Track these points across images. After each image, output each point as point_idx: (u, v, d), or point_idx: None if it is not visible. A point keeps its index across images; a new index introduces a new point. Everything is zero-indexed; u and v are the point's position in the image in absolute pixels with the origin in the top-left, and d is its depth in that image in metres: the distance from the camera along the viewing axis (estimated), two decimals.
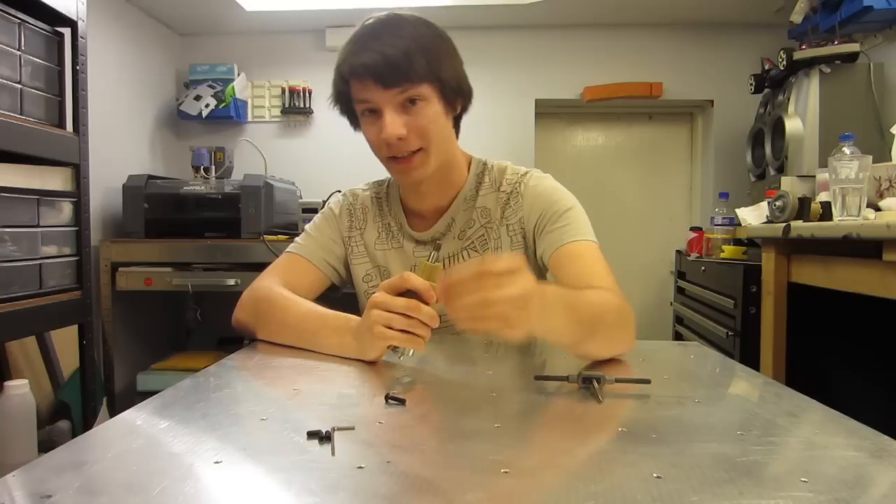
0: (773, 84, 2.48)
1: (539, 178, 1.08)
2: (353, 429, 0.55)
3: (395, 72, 0.89)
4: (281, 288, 1.01)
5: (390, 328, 0.75)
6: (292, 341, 0.93)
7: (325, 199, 2.46)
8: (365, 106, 0.95)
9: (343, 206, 1.15)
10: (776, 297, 1.81)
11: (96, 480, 0.44)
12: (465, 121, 1.09)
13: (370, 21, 0.95)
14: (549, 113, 3.15)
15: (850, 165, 1.54)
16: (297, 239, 1.14)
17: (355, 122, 1.02)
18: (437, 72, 0.93)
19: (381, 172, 1.18)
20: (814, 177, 2.07)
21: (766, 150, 2.43)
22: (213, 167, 2.67)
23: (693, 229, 2.59)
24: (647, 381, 0.71)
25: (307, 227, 1.16)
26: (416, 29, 0.94)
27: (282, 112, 3.07)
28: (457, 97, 1.00)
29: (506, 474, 0.46)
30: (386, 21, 0.94)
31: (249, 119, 3.10)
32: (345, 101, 0.99)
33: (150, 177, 2.50)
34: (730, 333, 2.01)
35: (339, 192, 1.20)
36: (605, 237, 1.05)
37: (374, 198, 1.15)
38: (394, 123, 0.91)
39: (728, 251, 2.25)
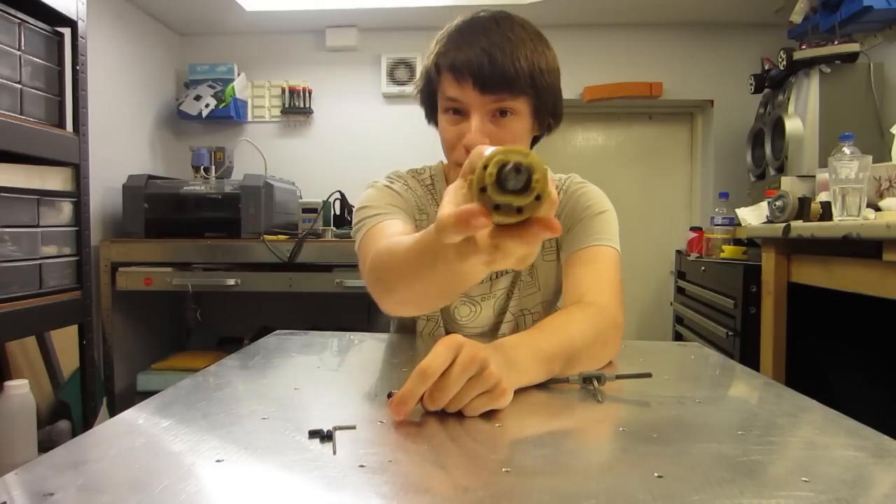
0: (773, 84, 2.48)
1: (578, 183, 1.03)
2: (354, 428, 0.55)
3: (497, 78, 0.83)
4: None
5: None
6: (412, 281, 0.70)
7: (325, 198, 2.47)
8: (452, 104, 0.88)
9: (398, 184, 1.03)
10: (776, 297, 1.81)
11: (98, 479, 0.44)
12: None
13: (481, 15, 0.88)
14: None
15: (850, 165, 1.54)
16: (360, 218, 0.95)
17: (431, 115, 0.97)
18: (539, 88, 0.87)
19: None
20: (814, 177, 2.07)
21: (766, 150, 2.43)
22: (213, 167, 2.67)
23: (693, 229, 2.59)
24: (649, 375, 0.71)
25: (364, 204, 0.97)
26: (528, 37, 0.87)
27: (282, 112, 3.07)
28: (548, 118, 0.94)
29: (506, 473, 0.46)
30: (498, 20, 0.87)
31: (249, 119, 3.10)
32: (430, 91, 0.93)
33: (150, 177, 2.51)
34: (730, 333, 2.01)
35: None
36: None
37: (423, 185, 1.07)
38: (479, 133, 0.85)
39: (728, 251, 2.25)
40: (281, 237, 2.43)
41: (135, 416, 0.59)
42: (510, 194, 0.42)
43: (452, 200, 0.48)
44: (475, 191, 0.43)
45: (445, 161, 1.02)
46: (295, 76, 3.07)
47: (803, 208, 1.77)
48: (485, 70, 0.82)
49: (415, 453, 0.51)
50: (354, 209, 1.00)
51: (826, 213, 1.69)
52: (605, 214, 0.98)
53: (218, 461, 0.48)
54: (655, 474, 0.45)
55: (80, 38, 1.64)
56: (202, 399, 0.65)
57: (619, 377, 0.70)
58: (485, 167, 0.43)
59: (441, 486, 0.44)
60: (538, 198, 0.43)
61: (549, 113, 0.93)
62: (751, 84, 2.60)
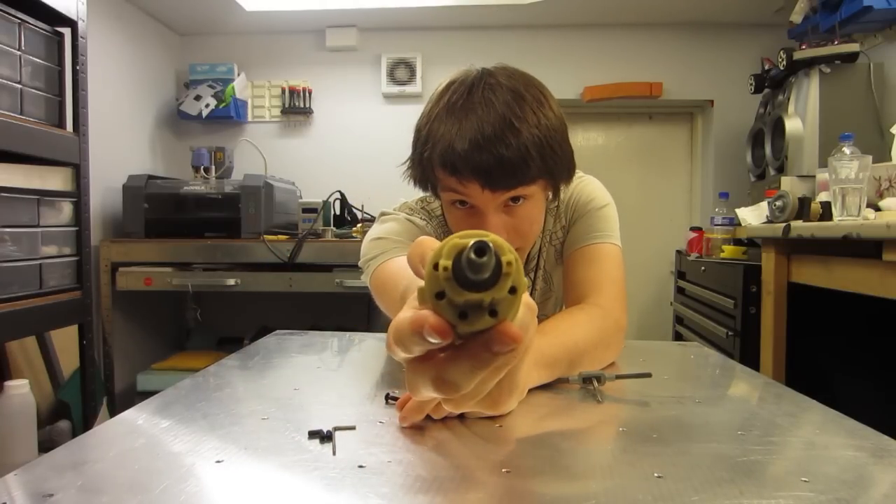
0: (773, 84, 2.48)
1: (578, 180, 0.98)
2: (353, 428, 0.55)
3: (508, 177, 0.73)
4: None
5: None
6: None
7: (325, 198, 2.47)
8: (457, 197, 0.78)
9: (423, 227, 0.94)
10: (776, 297, 1.81)
11: (98, 479, 0.44)
12: None
13: (469, 81, 0.76)
14: None
15: (850, 165, 1.54)
16: (370, 252, 0.87)
17: (433, 193, 0.87)
18: (553, 170, 0.78)
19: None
20: (814, 177, 2.08)
21: (766, 150, 2.43)
22: (213, 167, 2.67)
23: (693, 229, 2.59)
24: (649, 375, 0.71)
25: (381, 236, 0.88)
26: (530, 106, 0.75)
27: (282, 112, 3.07)
28: (562, 182, 0.84)
29: (507, 474, 0.46)
30: (494, 88, 0.75)
31: (249, 119, 3.10)
32: (426, 178, 0.82)
33: (150, 177, 2.51)
34: (730, 333, 2.01)
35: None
36: None
37: (434, 216, 0.99)
38: (499, 230, 0.76)
39: (728, 251, 2.25)
40: (281, 237, 2.43)
41: (135, 417, 0.59)
42: (477, 290, 0.30)
43: (412, 306, 0.35)
44: (429, 302, 0.31)
45: None
46: (295, 76, 3.07)
47: (803, 208, 1.77)
48: (493, 173, 0.73)
49: (414, 454, 0.51)
50: (368, 239, 0.90)
51: (826, 213, 1.69)
52: (606, 209, 0.97)
53: (218, 462, 0.48)
54: (655, 474, 0.45)
55: (80, 39, 1.64)
56: (202, 399, 0.65)
57: (619, 377, 0.70)
58: (435, 266, 0.30)
59: (441, 487, 0.44)
60: (513, 290, 0.30)
61: (564, 179, 0.84)
62: (751, 84, 2.60)
